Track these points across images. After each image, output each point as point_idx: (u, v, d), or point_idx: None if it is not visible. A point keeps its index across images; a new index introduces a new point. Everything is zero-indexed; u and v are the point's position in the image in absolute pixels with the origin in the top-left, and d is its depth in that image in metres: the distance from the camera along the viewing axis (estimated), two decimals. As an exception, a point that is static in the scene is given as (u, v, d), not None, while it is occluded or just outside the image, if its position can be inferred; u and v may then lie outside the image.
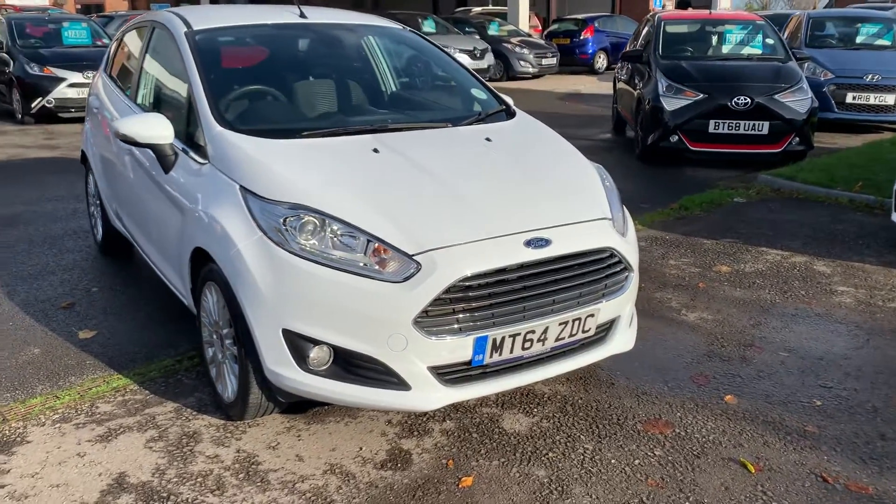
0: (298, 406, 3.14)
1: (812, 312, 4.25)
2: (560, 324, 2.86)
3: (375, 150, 3.15)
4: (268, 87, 3.74)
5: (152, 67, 4.15)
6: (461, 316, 2.67)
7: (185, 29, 3.78)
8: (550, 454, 2.90)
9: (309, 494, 2.67)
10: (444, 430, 3.06)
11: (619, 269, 3.03)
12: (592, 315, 2.95)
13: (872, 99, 10.41)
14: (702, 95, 8.04)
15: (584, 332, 2.97)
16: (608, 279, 2.99)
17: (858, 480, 2.73)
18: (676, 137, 8.07)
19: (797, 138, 8.04)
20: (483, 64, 17.45)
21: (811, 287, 4.63)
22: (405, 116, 3.94)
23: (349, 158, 3.11)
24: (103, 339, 3.97)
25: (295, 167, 2.99)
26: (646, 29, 10.07)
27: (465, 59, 14.73)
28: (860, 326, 4.05)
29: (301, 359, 2.73)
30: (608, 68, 20.89)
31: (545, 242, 2.80)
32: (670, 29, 9.34)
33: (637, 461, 2.86)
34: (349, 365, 2.73)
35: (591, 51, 21.15)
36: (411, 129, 3.47)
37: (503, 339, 2.74)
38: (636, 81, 9.10)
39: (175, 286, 3.65)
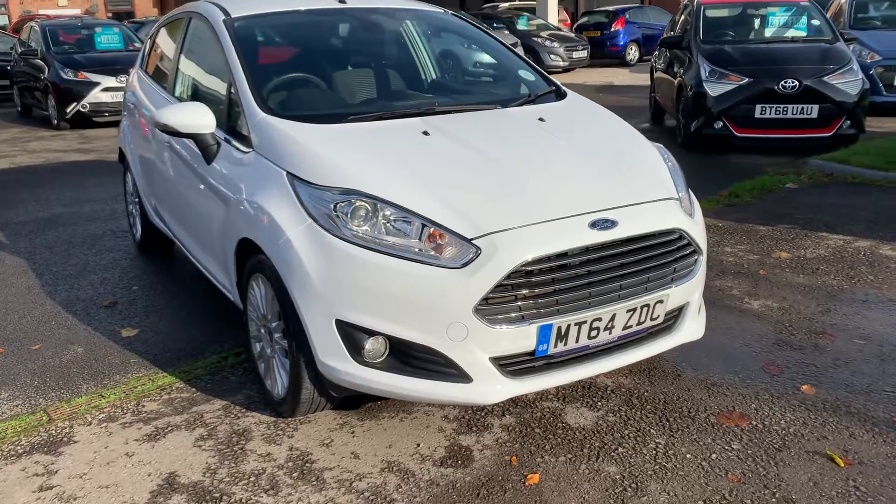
0: (351, 402, 3.01)
1: (884, 298, 4.01)
2: (628, 311, 2.68)
3: (425, 133, 3.00)
4: (309, 73, 3.61)
5: (190, 59, 4.06)
6: (523, 303, 2.51)
7: (224, 17, 3.67)
8: (620, 449, 2.73)
9: (367, 493, 2.53)
10: (505, 426, 2.91)
11: (688, 251, 2.85)
12: (661, 301, 2.78)
13: (923, 81, 10.03)
14: (747, 80, 7.77)
15: (652, 319, 2.79)
16: (677, 262, 2.81)
17: (959, 474, 2.52)
18: (721, 123, 7.82)
19: (848, 121, 7.74)
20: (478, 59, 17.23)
21: (880, 272, 4.39)
22: (451, 99, 3.78)
23: (399, 142, 2.97)
24: (146, 337, 3.88)
25: (343, 152, 2.86)
26: (683, 16, 9.81)
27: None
28: (938, 311, 3.81)
29: (355, 351, 2.59)
30: (640, 60, 20.54)
31: (611, 224, 2.63)
32: (710, 13, 9.08)
33: (714, 455, 2.67)
34: (406, 356, 2.58)
35: (622, 42, 20.82)
36: (459, 112, 3.31)
37: (568, 327, 2.58)
38: (676, 68, 8.86)
39: (219, 281, 3.54)
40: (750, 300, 4.05)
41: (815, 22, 8.80)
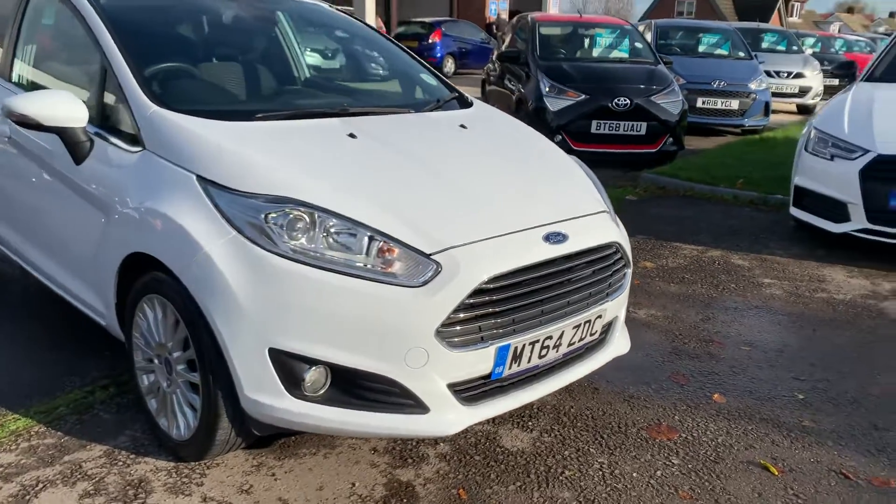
0: (262, 439, 2.64)
1: (751, 305, 4.27)
2: (574, 327, 2.59)
3: (351, 135, 2.72)
4: (201, 63, 3.17)
5: (33, 39, 3.43)
6: (483, 323, 2.32)
7: None
8: (567, 472, 2.62)
9: (312, 547, 2.21)
10: (441, 455, 2.69)
11: (621, 265, 2.81)
12: (600, 316, 2.71)
13: (720, 104, 11.06)
14: (584, 96, 8.11)
15: (591, 335, 2.72)
16: (612, 276, 2.76)
17: (877, 474, 2.67)
18: (560, 137, 8.09)
19: (671, 138, 8.32)
20: (335, 64, 16.91)
21: (738, 280, 4.68)
22: (362, 100, 3.49)
23: (326, 145, 2.66)
24: (-21, 372, 3.22)
25: (266, 154, 2.50)
26: (510, 35, 10.12)
27: (317, 58, 14.19)
28: (801, 317, 4.11)
29: (292, 384, 2.26)
30: (456, 72, 21.02)
31: (563, 237, 2.51)
32: (545, 31, 9.40)
33: (659, 472, 2.64)
34: (352, 387, 2.29)
35: (439, 55, 21.17)
36: (376, 115, 3.06)
37: (523, 347, 2.43)
38: (513, 83, 9.07)
39: (85, 303, 2.99)
40: (635, 310, 4.14)
41: (638, 44, 9.41)
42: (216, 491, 2.44)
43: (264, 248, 2.24)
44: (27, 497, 2.38)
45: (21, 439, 2.71)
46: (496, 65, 10.12)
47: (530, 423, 2.92)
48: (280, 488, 2.47)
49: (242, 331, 2.24)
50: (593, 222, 2.72)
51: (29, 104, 2.68)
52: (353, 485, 2.51)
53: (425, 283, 2.23)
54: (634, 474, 2.62)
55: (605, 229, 2.74)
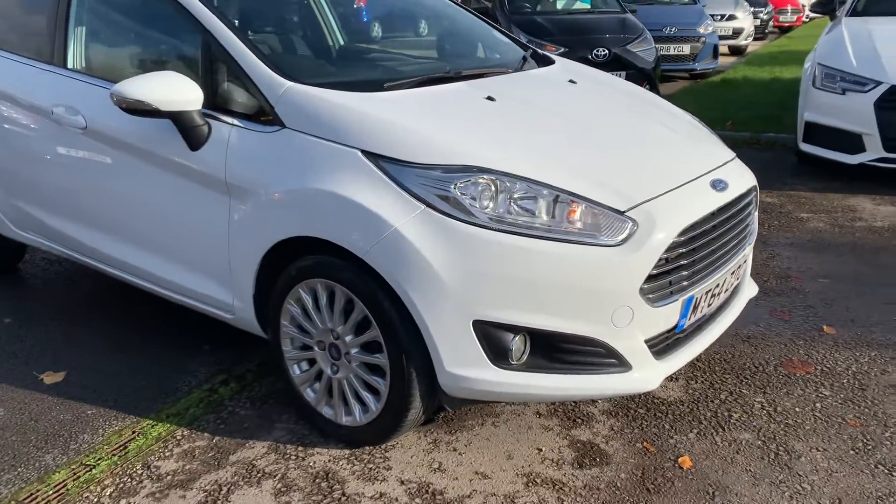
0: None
1: (803, 239, 4.41)
2: (731, 273, 2.62)
3: (490, 98, 2.64)
4: (304, 33, 2.99)
5: (91, 20, 3.16)
6: (674, 277, 2.32)
7: None
8: (734, 415, 2.67)
9: (538, 515, 2.19)
10: (606, 412, 2.70)
11: (753, 208, 2.85)
12: (745, 260, 2.75)
13: (672, 49, 11.26)
14: (563, 49, 8.10)
15: (737, 279, 2.76)
16: (751, 218, 2.79)
17: None
18: (543, 92, 8.09)
19: (648, 86, 8.41)
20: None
21: (778, 217, 4.82)
22: (460, 63, 3.34)
23: (473, 109, 2.57)
24: (80, 379, 3.01)
25: (427, 123, 2.39)
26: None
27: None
28: (855, 246, 4.27)
29: (498, 354, 2.21)
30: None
31: (725, 184, 2.52)
32: (510, -16, 9.32)
33: (818, 405, 2.72)
34: (554, 351, 2.25)
35: (366, 20, 20.72)
36: (489, 76, 2.96)
37: (701, 297, 2.44)
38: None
39: (204, 298, 2.80)
40: (699, 254, 4.21)
41: (603, -6, 9.45)
42: (409, 473, 2.38)
43: (460, 220, 2.15)
44: (219, 503, 2.27)
45: (171, 445, 2.57)
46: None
47: (672, 374, 2.95)
48: (470, 462, 2.43)
49: (444, 306, 2.17)
50: (735, 167, 2.74)
51: (142, 89, 2.48)
52: (540, 450, 2.49)
53: (625, 240, 2.20)
54: (797, 409, 2.70)
55: (747, 173, 2.76)
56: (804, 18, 23.67)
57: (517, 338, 2.21)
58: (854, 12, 6.43)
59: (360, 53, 3.14)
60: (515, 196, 2.22)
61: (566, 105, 2.79)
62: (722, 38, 14.84)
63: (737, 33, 15.17)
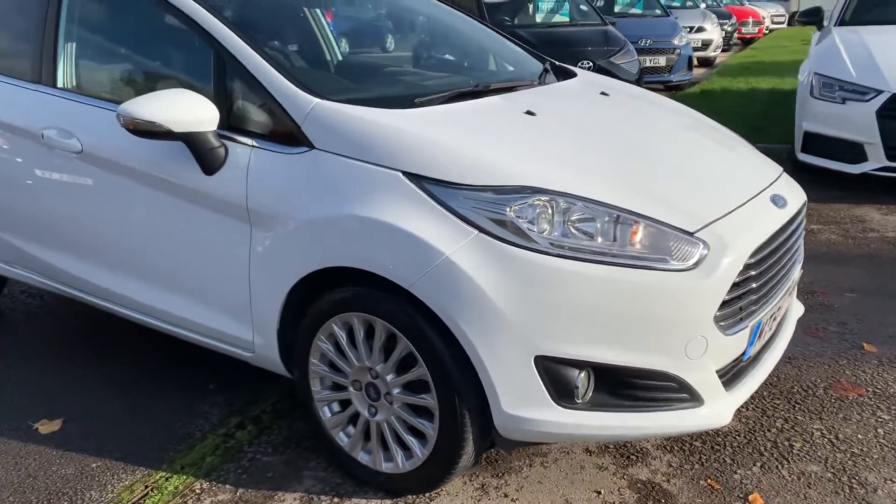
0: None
1: (819, 252, 4.31)
2: (787, 293, 2.47)
3: (530, 113, 2.46)
4: (321, 47, 2.78)
5: (82, 36, 2.91)
6: (744, 302, 2.15)
7: None
8: (797, 445, 2.51)
9: (613, 569, 1.99)
10: (661, 447, 2.52)
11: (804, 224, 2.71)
12: (796, 279, 2.60)
13: (648, 62, 11.24)
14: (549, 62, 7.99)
15: (789, 297, 2.61)
16: (803, 235, 2.65)
17: None
18: (528, 106, 7.97)
19: (632, 98, 8.37)
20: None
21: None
22: (488, 75, 3.16)
23: (516, 125, 2.38)
24: (79, 427, 2.75)
25: (470, 141, 2.20)
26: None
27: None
28: (873, 257, 4.18)
29: (562, 392, 2.01)
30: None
31: (784, 201, 2.38)
32: (490, -1, 9.21)
33: (880, 430, 2.57)
34: (621, 387, 2.07)
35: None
36: (516, 89, 2.78)
37: (766, 321, 2.28)
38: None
39: (220, 336, 2.55)
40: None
41: (583, 7, 9.39)
42: (462, 524, 2.17)
43: (518, 245, 1.96)
44: (255, 567, 2.03)
45: (191, 500, 2.32)
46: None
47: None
48: (526, 509, 2.23)
49: (503, 340, 1.97)
50: (785, 182, 2.60)
51: (154, 109, 2.25)
52: (599, 492, 2.29)
53: (696, 264, 2.03)
54: (859, 436, 2.55)
55: (797, 188, 2.62)
56: (765, 30, 24.10)
57: (582, 374, 2.02)
58: (842, 22, 6.42)
59: (380, 68, 2.94)
60: (573, 218, 2.04)
61: (606, 119, 2.63)
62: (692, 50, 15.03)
63: (706, 45, 15.29)
